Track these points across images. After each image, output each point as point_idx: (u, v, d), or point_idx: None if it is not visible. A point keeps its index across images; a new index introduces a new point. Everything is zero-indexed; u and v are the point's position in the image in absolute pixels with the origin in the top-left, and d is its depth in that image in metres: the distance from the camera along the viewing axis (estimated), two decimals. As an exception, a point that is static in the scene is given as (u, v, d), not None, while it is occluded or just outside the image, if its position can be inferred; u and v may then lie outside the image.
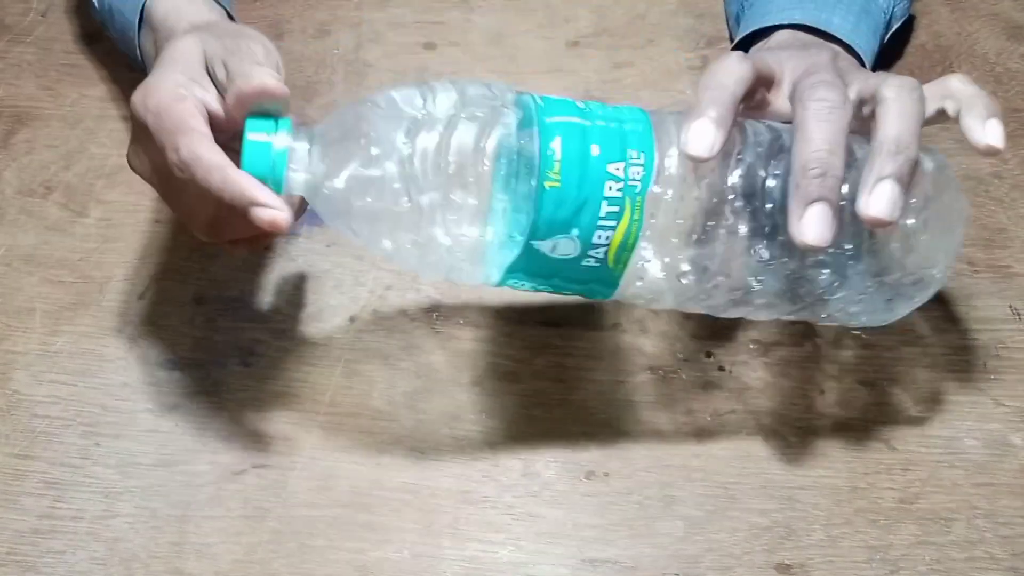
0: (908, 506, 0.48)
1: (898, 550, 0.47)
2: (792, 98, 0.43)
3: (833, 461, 0.50)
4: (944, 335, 0.53)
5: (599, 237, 0.42)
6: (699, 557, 0.47)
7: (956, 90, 0.45)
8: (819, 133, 0.41)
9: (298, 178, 0.42)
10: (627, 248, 0.43)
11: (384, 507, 0.48)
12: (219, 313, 0.55)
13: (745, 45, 0.56)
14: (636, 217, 0.42)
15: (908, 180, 0.41)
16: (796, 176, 0.41)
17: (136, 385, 0.53)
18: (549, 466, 0.50)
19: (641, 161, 0.42)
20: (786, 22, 0.54)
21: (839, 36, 0.53)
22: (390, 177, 0.41)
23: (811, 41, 0.52)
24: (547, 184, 0.41)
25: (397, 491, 0.49)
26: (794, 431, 0.50)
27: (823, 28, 0.53)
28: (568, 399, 0.52)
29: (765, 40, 0.55)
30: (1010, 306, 0.54)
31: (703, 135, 0.41)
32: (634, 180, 0.42)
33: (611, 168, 0.42)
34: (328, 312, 0.55)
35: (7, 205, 0.61)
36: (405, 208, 0.41)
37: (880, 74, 0.45)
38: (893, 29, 0.62)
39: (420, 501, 0.49)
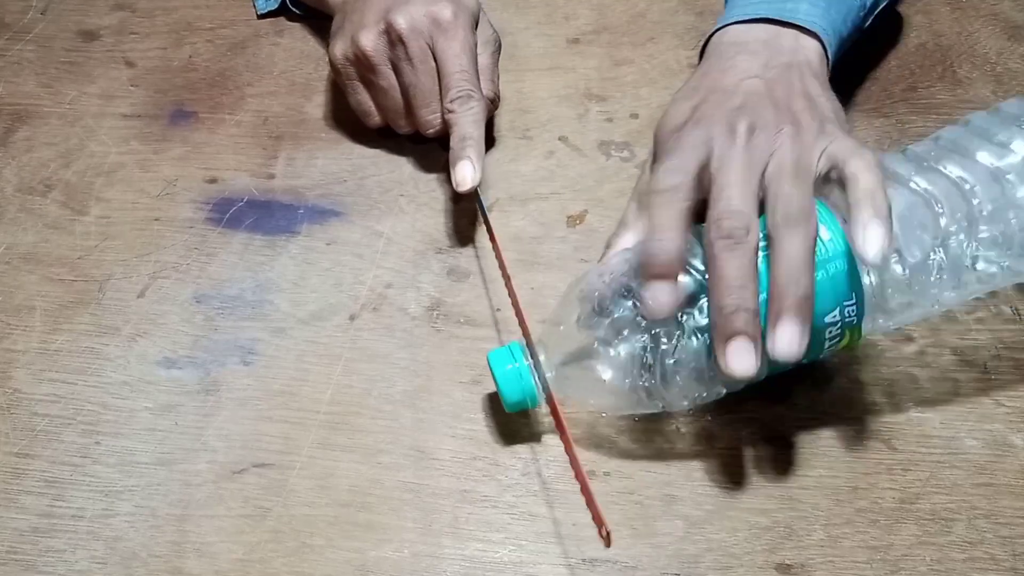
0: (908, 506, 0.48)
1: (898, 550, 0.47)
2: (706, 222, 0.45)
3: (833, 461, 0.49)
4: (944, 335, 0.53)
5: (826, 349, 0.47)
6: (699, 557, 0.47)
7: (857, 181, 0.45)
8: (728, 269, 0.43)
9: (549, 381, 0.47)
10: (853, 341, 0.48)
11: (384, 506, 0.48)
12: (219, 312, 0.55)
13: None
14: (856, 336, 0.47)
15: (808, 314, 0.43)
16: (714, 313, 0.43)
17: (135, 384, 0.53)
18: (549, 466, 0.50)
19: (853, 301, 0.46)
20: (750, 17, 0.54)
21: (803, 25, 0.53)
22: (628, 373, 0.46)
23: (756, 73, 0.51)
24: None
25: (397, 490, 0.49)
26: (794, 431, 0.50)
27: (788, 20, 0.53)
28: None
29: (721, 35, 0.55)
30: (1010, 306, 0.54)
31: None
32: (849, 317, 0.46)
33: (828, 319, 0.46)
34: (328, 311, 0.55)
35: (7, 203, 0.60)
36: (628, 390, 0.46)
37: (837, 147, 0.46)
38: (880, 8, 0.61)
39: (420, 500, 0.49)
